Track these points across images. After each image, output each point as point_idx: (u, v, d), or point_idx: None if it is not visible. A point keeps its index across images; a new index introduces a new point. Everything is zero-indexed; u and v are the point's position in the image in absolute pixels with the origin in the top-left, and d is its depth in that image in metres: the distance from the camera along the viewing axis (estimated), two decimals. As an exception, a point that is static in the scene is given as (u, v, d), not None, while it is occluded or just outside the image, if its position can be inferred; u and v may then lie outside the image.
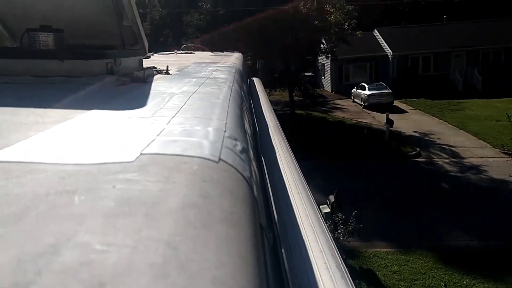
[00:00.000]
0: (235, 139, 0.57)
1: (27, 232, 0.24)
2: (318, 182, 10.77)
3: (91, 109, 0.66)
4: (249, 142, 0.68)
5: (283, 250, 0.73)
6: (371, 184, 12.20)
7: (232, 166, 0.46)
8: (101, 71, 1.06)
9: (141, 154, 0.42)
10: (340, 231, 7.98)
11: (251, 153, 0.62)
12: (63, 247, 0.23)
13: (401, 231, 9.32)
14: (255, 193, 0.46)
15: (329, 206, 8.37)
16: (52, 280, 0.21)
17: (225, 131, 0.57)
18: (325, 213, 7.51)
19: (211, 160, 0.44)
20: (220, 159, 0.45)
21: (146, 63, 1.68)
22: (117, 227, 0.26)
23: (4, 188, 0.31)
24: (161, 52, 3.72)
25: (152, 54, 3.36)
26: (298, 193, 1.29)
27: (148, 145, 0.46)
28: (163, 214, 0.30)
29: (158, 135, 0.48)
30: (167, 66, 1.45)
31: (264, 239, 0.45)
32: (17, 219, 0.27)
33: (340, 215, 8.15)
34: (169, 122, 0.57)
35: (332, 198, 8.55)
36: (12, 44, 1.54)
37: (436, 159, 14.85)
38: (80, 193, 0.31)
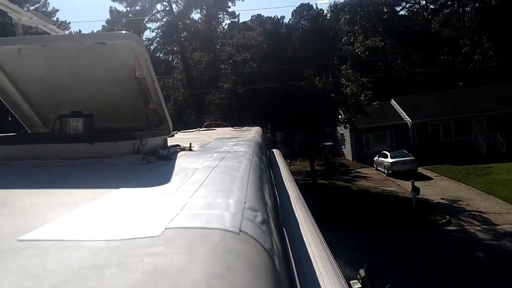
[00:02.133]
0: (255, 210, 0.59)
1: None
2: (345, 255, 10.36)
3: (119, 188, 0.70)
4: (269, 213, 0.69)
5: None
6: (401, 255, 11.65)
7: (252, 237, 0.48)
8: (128, 151, 1.11)
9: (166, 228, 0.44)
10: (373, 307, 7.49)
11: (272, 224, 0.64)
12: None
13: (439, 307, 8.70)
14: (277, 265, 0.47)
15: (360, 281, 7.95)
16: None
17: (245, 203, 0.59)
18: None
19: (232, 231, 0.46)
20: (240, 231, 0.47)
21: (171, 141, 1.75)
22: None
23: (41, 265, 0.34)
24: (185, 130, 3.86)
25: (176, 133, 3.48)
26: (324, 266, 1.26)
27: (172, 220, 0.48)
28: (188, 286, 0.31)
29: (181, 209, 0.51)
30: (190, 143, 1.51)
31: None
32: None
33: (371, 290, 7.71)
34: (191, 196, 0.60)
35: (362, 272, 8.13)
36: (44, 130, 1.64)
37: (468, 227, 14.21)
38: (110, 267, 0.33)
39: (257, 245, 0.46)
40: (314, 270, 1.15)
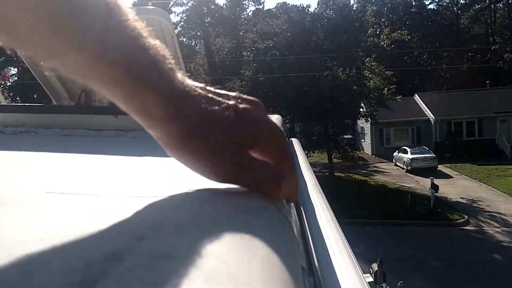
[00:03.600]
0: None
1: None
2: (359, 249, 10.34)
3: (143, 156, 0.71)
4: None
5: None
6: (416, 252, 11.55)
7: (272, 203, 0.48)
8: (151, 126, 1.13)
9: (189, 189, 0.45)
10: (384, 302, 7.48)
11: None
12: (128, 251, 0.26)
13: (451, 306, 8.62)
14: (295, 233, 0.47)
15: (372, 275, 7.93)
16: (116, 281, 0.22)
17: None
18: (368, 282, 7.09)
19: (253, 196, 0.46)
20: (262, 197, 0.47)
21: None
22: (174, 240, 0.28)
23: (69, 213, 0.35)
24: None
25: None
26: (340, 252, 1.26)
27: (196, 183, 0.49)
28: (211, 237, 0.32)
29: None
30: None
31: (305, 279, 0.45)
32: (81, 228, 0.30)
33: (384, 285, 7.68)
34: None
35: (375, 266, 8.12)
36: (70, 102, 1.68)
37: (486, 228, 13.96)
38: (136, 217, 0.34)
39: (278, 213, 0.47)
40: (328, 254, 1.16)
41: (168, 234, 0.31)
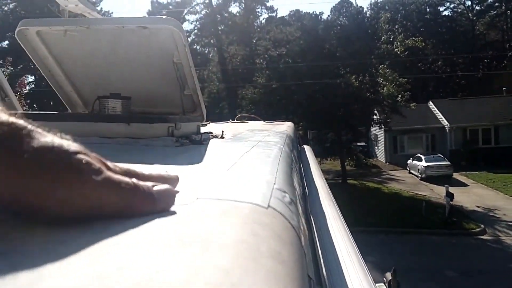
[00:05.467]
0: (284, 192, 0.59)
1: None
2: (373, 258, 10.20)
3: (153, 164, 0.72)
4: (297, 198, 0.69)
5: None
6: (431, 262, 11.35)
7: (280, 213, 0.48)
8: (163, 134, 1.14)
9: (197, 198, 0.46)
10: (397, 312, 7.34)
11: (300, 207, 0.64)
12: (130, 267, 0.26)
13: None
14: (303, 243, 0.47)
15: (386, 284, 7.81)
16: None
17: (274, 184, 0.60)
18: (380, 292, 6.98)
19: (260, 206, 0.46)
20: (269, 206, 0.48)
21: (203, 129, 1.77)
22: (178, 252, 0.29)
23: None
24: (217, 122, 3.91)
25: (209, 123, 3.52)
26: (351, 261, 1.24)
27: (203, 192, 0.49)
28: (216, 247, 0.32)
29: (212, 183, 0.52)
30: (222, 131, 1.53)
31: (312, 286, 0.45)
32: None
33: (397, 295, 7.56)
34: (222, 174, 0.61)
35: (389, 276, 7.97)
36: (84, 110, 1.71)
37: (503, 238, 13.66)
38: (139, 229, 0.35)
39: (285, 221, 0.47)
40: (340, 264, 1.14)
41: (171, 244, 0.31)
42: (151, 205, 0.37)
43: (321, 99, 19.52)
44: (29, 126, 0.31)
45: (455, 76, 37.17)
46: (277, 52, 21.94)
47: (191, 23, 44.25)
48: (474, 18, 42.01)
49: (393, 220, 15.00)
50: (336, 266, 1.10)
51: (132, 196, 0.35)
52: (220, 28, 40.73)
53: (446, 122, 26.38)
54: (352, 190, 19.81)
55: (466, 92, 34.17)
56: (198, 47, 46.06)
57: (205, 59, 43.49)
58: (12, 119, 0.31)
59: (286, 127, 3.22)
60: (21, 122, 0.31)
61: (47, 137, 0.31)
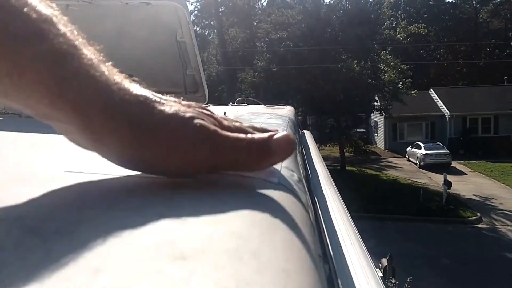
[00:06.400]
0: (292, 170, 0.59)
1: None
2: (369, 244, 10.28)
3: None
4: (302, 178, 0.69)
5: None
6: (427, 249, 11.48)
7: (290, 189, 0.48)
8: (165, 112, 1.13)
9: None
10: (392, 297, 7.46)
11: (305, 186, 0.63)
12: (147, 227, 0.25)
13: (460, 303, 8.57)
14: (312, 220, 0.47)
15: (382, 270, 7.89)
16: (139, 252, 0.22)
17: (282, 162, 0.59)
18: (379, 277, 7.05)
19: (270, 182, 0.46)
20: (279, 182, 0.47)
21: (204, 110, 1.76)
22: (195, 219, 0.28)
23: (86, 187, 0.35)
24: (217, 104, 3.89)
25: (209, 105, 3.50)
26: (352, 244, 1.24)
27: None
28: (232, 214, 0.32)
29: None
30: (224, 113, 1.52)
31: (321, 265, 0.45)
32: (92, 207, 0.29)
33: (393, 281, 7.65)
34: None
35: (385, 261, 8.07)
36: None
37: (499, 226, 13.79)
38: (147, 193, 0.34)
39: (294, 197, 0.46)
40: (340, 245, 1.14)
41: (187, 207, 0.31)
42: (269, 157, 0.38)
43: (321, 84, 19.42)
44: (148, 94, 0.34)
45: (456, 64, 36.97)
46: (278, 35, 21.72)
47: (191, 4, 43.71)
48: (478, 5, 41.57)
49: (390, 207, 15.11)
50: (337, 248, 1.10)
51: (248, 151, 0.36)
52: (220, 10, 40.25)
53: (446, 110, 26.36)
54: (351, 176, 19.89)
55: (467, 80, 34.06)
56: (198, 29, 45.60)
57: (205, 41, 43.11)
58: (135, 87, 0.34)
59: (287, 111, 3.21)
60: (142, 90, 0.34)
61: (164, 105, 0.34)
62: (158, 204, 0.31)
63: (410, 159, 24.44)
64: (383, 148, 28.39)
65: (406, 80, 20.50)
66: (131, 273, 0.20)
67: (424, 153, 22.36)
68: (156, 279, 0.19)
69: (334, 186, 1.94)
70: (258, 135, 0.37)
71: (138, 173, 0.40)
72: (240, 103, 4.41)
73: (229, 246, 0.23)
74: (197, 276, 0.20)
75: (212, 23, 42.91)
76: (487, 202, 16.26)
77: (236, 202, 0.33)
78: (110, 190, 0.35)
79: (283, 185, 0.46)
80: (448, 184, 15.28)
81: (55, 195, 0.34)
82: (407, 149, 24.83)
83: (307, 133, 4.04)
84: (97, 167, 0.47)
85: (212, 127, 0.35)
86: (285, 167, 0.56)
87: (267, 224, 0.30)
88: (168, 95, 0.38)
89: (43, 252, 0.22)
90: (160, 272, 0.20)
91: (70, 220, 0.27)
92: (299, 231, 0.34)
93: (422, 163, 22.43)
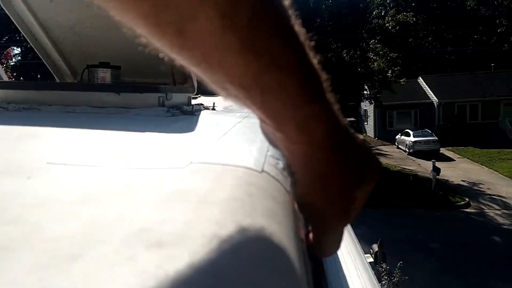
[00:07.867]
0: (277, 159, 0.60)
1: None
2: (360, 230, 10.41)
3: (144, 132, 0.72)
4: (287, 166, 0.70)
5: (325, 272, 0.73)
6: (417, 234, 11.64)
7: (274, 177, 0.49)
8: (153, 104, 1.13)
9: (191, 162, 0.46)
10: (384, 282, 7.58)
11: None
12: (125, 216, 0.26)
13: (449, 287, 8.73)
14: (296, 206, 0.48)
15: (373, 255, 8.00)
16: (118, 240, 0.23)
17: (268, 151, 0.60)
18: (368, 262, 7.16)
19: (254, 170, 0.47)
20: (263, 171, 0.48)
21: (194, 102, 1.76)
22: (173, 207, 0.29)
23: (70, 182, 0.36)
24: (207, 95, 3.88)
25: (199, 96, 3.49)
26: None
27: (197, 156, 0.49)
28: (212, 203, 0.32)
29: (205, 149, 0.52)
30: (214, 103, 1.52)
31: (305, 250, 0.46)
32: (95, 201, 0.30)
33: (384, 266, 7.77)
34: (215, 141, 0.61)
35: (375, 247, 8.18)
36: (73, 80, 1.68)
37: (487, 211, 14.03)
38: (136, 186, 0.35)
39: (278, 185, 0.47)
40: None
41: (167, 199, 0.31)
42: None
43: (311, 73, 19.36)
44: (351, 131, 0.35)
45: (444, 51, 37.14)
46: (268, 25, 21.56)
47: (179, -5, 43.15)
48: (466, -8, 41.64)
49: (380, 194, 15.25)
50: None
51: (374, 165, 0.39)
52: None
53: (435, 98, 26.55)
54: (341, 164, 19.88)
55: (455, 67, 34.25)
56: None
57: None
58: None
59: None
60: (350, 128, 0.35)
61: (358, 141, 0.35)
62: (137, 193, 0.32)
63: (400, 146, 24.65)
64: (373, 137, 28.57)
65: (395, 69, 20.58)
66: (106, 262, 0.20)
67: (413, 140, 22.56)
68: (129, 266, 0.19)
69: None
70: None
71: (120, 164, 0.41)
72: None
73: (206, 232, 0.24)
74: (172, 262, 0.20)
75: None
76: (475, 188, 16.51)
77: (217, 190, 0.34)
78: (90, 181, 0.36)
79: (266, 172, 0.47)
80: (437, 170, 15.46)
81: (37, 187, 0.35)
82: (397, 137, 25.03)
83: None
84: (78, 159, 0.47)
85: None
86: (270, 155, 0.57)
87: (246, 212, 0.31)
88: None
89: (22, 242, 0.22)
90: (133, 259, 0.20)
91: (49, 210, 0.27)
92: (280, 218, 0.35)
93: (411, 150, 22.64)
